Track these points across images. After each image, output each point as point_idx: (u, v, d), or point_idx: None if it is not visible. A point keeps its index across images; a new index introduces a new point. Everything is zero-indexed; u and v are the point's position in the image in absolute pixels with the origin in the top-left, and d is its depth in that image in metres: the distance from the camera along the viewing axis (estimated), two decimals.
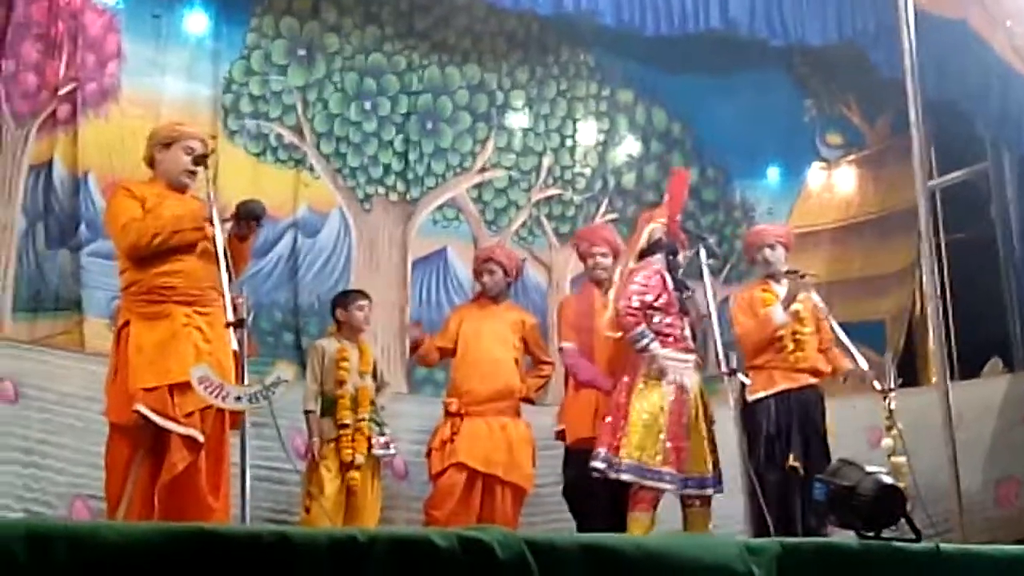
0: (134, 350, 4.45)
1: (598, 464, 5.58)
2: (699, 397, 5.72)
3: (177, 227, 4.51)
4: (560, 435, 6.20)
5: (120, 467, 4.42)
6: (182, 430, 4.37)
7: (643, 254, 5.94)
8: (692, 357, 5.73)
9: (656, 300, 5.77)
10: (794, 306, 6.05)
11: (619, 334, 5.86)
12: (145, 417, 4.36)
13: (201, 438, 4.41)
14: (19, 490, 5.60)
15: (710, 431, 5.72)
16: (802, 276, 6.07)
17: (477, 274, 6.49)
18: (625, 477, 5.58)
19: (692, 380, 5.74)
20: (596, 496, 5.76)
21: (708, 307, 5.63)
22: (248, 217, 4.75)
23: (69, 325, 6.25)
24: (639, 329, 5.68)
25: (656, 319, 5.77)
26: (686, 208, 6.38)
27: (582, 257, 6.45)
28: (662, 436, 5.58)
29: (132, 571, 2.34)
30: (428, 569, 2.65)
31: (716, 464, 5.65)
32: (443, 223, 7.94)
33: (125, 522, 3.96)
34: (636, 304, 5.71)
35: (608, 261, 6.24)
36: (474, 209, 8.02)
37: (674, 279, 5.80)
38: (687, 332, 5.80)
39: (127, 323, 4.52)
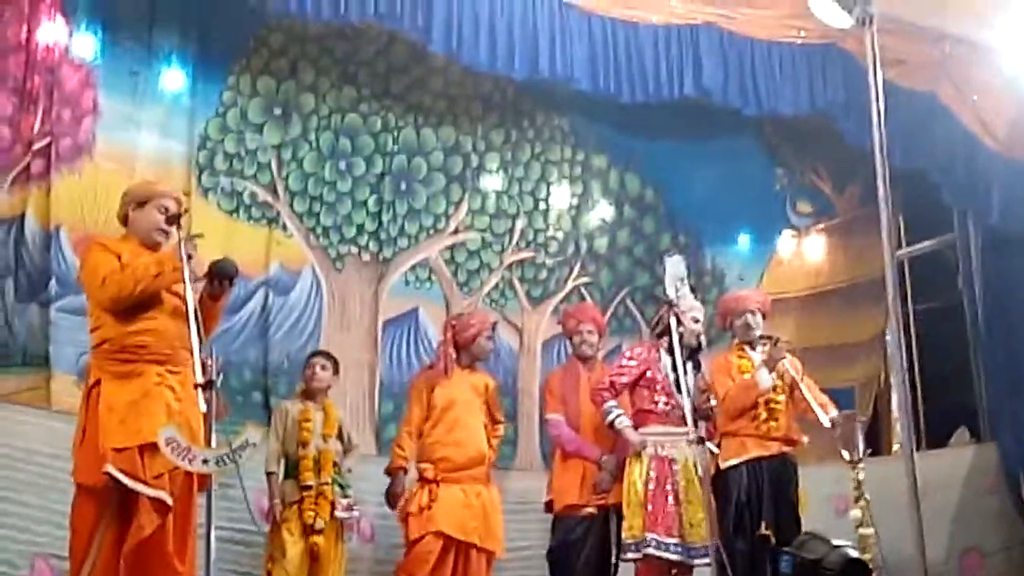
0: (105, 409, 4.39)
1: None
2: (693, 467, 5.86)
3: (158, 270, 4.47)
4: (548, 505, 6.47)
5: (86, 528, 4.34)
6: (152, 492, 4.32)
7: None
8: (683, 430, 5.75)
9: (638, 379, 6.16)
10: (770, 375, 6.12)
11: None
12: (115, 479, 4.29)
13: (170, 501, 4.37)
14: None
15: (702, 502, 5.77)
16: (776, 342, 6.13)
17: (475, 337, 6.39)
18: (630, 556, 5.94)
19: (683, 452, 5.91)
20: (574, 564, 6.17)
21: (678, 374, 5.67)
22: (221, 276, 4.74)
23: (36, 381, 6.19)
24: (606, 406, 6.12)
25: (642, 395, 6.16)
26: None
27: (569, 334, 6.77)
28: (642, 504, 5.86)
29: None
30: None
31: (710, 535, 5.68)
32: (415, 284, 7.94)
33: None
34: (606, 383, 6.15)
35: (595, 339, 6.65)
36: (447, 271, 8.03)
37: (685, 356, 5.79)
38: (680, 407, 5.84)
39: (98, 382, 4.47)
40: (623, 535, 5.98)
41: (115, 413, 4.39)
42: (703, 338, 6.26)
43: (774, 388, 6.10)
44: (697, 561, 5.82)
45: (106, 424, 4.36)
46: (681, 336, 5.89)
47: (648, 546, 5.81)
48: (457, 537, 6.03)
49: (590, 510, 6.24)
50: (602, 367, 6.62)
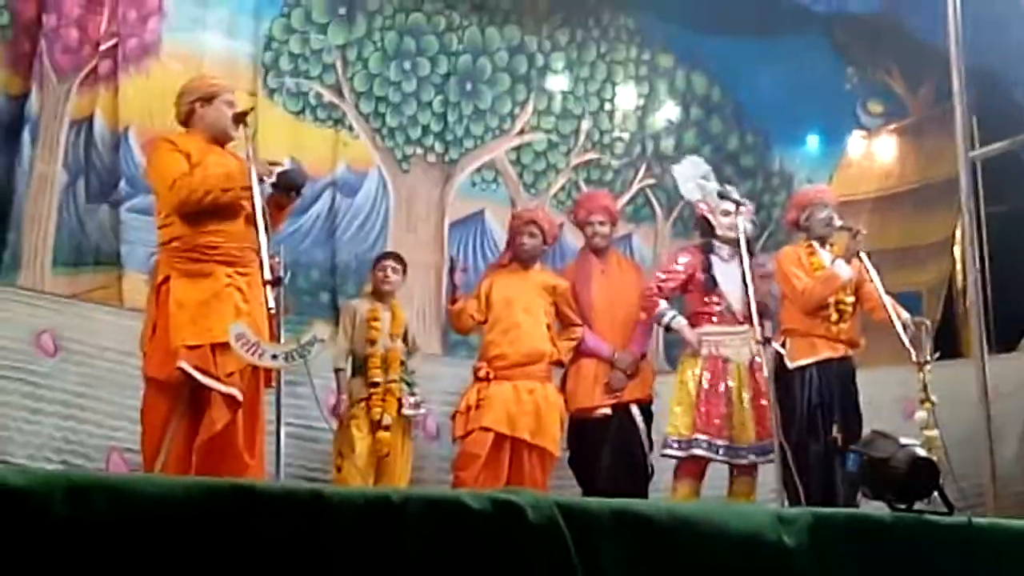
0: (175, 306, 4.44)
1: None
2: (747, 368, 5.83)
3: (228, 185, 4.48)
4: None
5: (158, 423, 4.43)
6: (224, 388, 4.39)
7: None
8: (740, 330, 5.73)
9: (686, 283, 6.09)
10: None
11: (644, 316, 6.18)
12: (187, 374, 4.37)
13: (241, 397, 4.44)
14: (58, 442, 5.69)
15: (757, 402, 5.75)
16: (856, 234, 5.97)
17: (516, 234, 6.32)
18: (669, 452, 5.92)
19: (737, 352, 5.89)
20: (597, 465, 6.00)
21: (744, 274, 5.62)
22: (289, 187, 4.75)
23: (108, 280, 6.30)
24: (659, 311, 6.07)
25: (694, 298, 6.09)
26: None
27: (580, 225, 6.50)
28: (695, 405, 5.84)
29: (169, 525, 2.36)
30: (460, 530, 2.67)
31: (763, 435, 5.66)
32: (481, 185, 7.94)
33: (163, 476, 4.00)
34: (654, 289, 6.10)
35: (606, 229, 6.36)
36: (512, 172, 8.01)
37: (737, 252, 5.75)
38: (732, 307, 5.86)
39: (167, 279, 4.52)
40: (667, 432, 5.96)
41: (186, 311, 4.43)
42: (747, 230, 6.11)
43: (846, 287, 5.97)
44: (745, 460, 5.87)
45: (177, 321, 4.41)
46: (715, 231, 5.96)
47: (698, 447, 5.84)
48: (504, 432, 5.95)
49: (605, 410, 6.10)
50: (618, 258, 6.50)
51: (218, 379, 4.38)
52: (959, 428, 5.54)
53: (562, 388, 6.27)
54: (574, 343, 6.34)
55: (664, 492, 6.12)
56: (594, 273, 6.30)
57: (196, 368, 4.36)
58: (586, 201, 6.64)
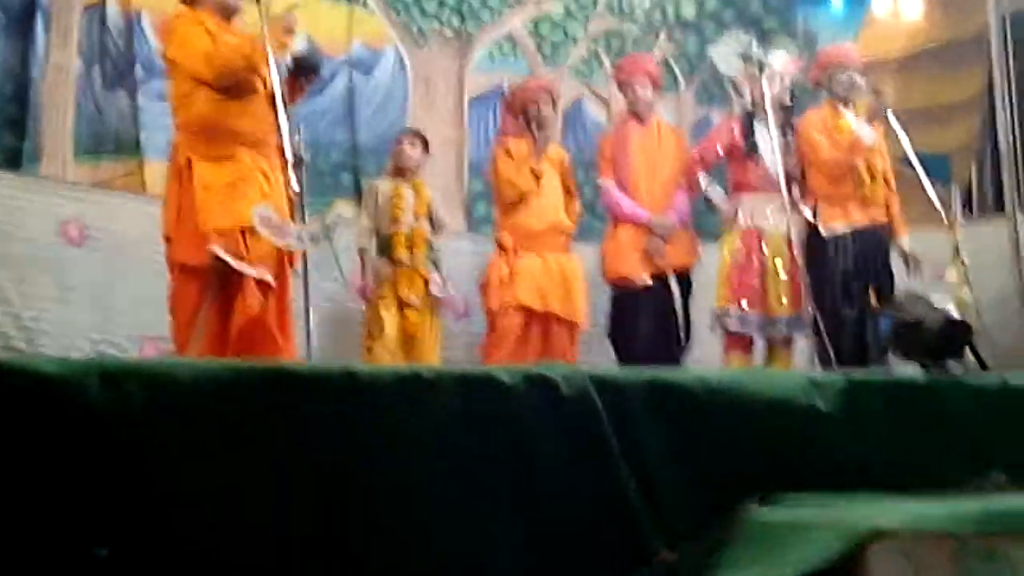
0: (201, 189, 4.40)
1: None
2: (784, 239, 5.76)
3: (252, 49, 4.39)
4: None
5: (189, 308, 4.43)
6: (256, 272, 4.39)
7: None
8: (776, 198, 5.67)
9: (724, 153, 6.05)
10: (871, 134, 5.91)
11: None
12: (219, 259, 4.35)
13: (273, 281, 4.44)
14: (89, 332, 5.72)
15: (790, 273, 5.72)
16: (881, 93, 5.85)
17: (528, 103, 6.18)
18: (716, 326, 5.94)
19: (774, 222, 5.83)
20: (636, 334, 5.93)
21: (771, 138, 5.55)
22: (307, 70, 4.68)
23: (130, 167, 6.26)
24: (699, 180, 6.06)
25: (734, 168, 6.06)
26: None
27: (621, 88, 6.37)
28: (728, 278, 5.88)
29: (203, 408, 2.38)
30: (493, 406, 2.68)
31: (799, 306, 5.62)
32: (500, 59, 7.80)
33: (195, 359, 4.02)
34: (696, 158, 6.12)
35: (648, 93, 6.22)
36: (531, 43, 7.87)
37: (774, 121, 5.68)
38: (770, 175, 5.75)
39: (189, 161, 4.48)
40: (714, 306, 5.99)
41: (213, 194, 4.40)
42: (792, 100, 6.08)
43: (874, 149, 5.88)
44: (778, 333, 5.88)
45: (204, 204, 4.38)
46: (754, 103, 5.90)
47: (729, 318, 5.86)
48: (536, 308, 5.94)
49: (646, 279, 6.02)
50: (659, 123, 6.35)
51: (250, 263, 4.37)
52: (991, 287, 5.52)
53: (601, 256, 6.23)
54: (575, 215, 6.33)
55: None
56: (632, 138, 6.17)
57: (228, 252, 4.34)
58: (627, 64, 6.50)
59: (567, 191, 6.30)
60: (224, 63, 4.41)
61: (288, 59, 4.57)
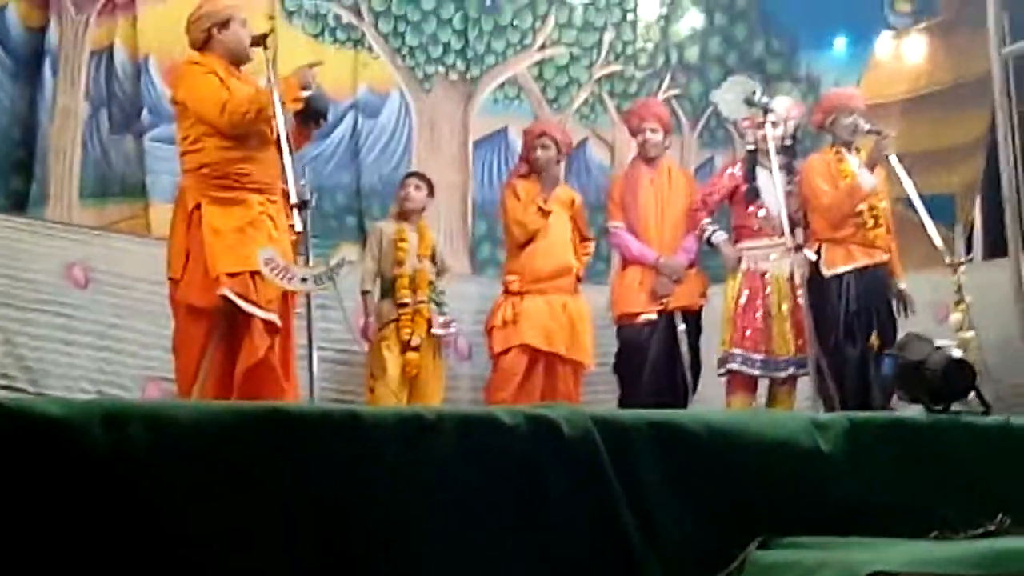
0: (211, 233, 4.44)
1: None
2: (787, 281, 5.81)
3: (262, 106, 4.44)
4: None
5: (194, 351, 4.45)
6: (264, 315, 4.41)
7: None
8: (779, 242, 5.68)
9: (730, 196, 6.14)
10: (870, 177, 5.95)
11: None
12: (229, 301, 4.38)
13: (280, 323, 4.46)
14: (93, 373, 5.74)
15: (796, 315, 5.74)
16: (884, 138, 5.88)
17: (529, 148, 6.30)
18: (720, 371, 5.98)
19: (777, 265, 5.90)
20: (640, 372, 5.98)
21: (774, 182, 5.58)
22: (314, 116, 4.73)
23: (135, 210, 6.29)
24: (702, 223, 6.12)
25: (737, 212, 6.14)
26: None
27: (632, 133, 6.45)
28: (732, 320, 5.92)
29: (207, 450, 2.38)
30: (495, 446, 2.68)
31: (803, 348, 5.63)
32: (504, 102, 7.84)
33: (199, 401, 4.03)
34: (699, 203, 6.17)
35: (659, 137, 6.28)
36: (535, 87, 7.91)
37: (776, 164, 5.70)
38: (772, 219, 5.78)
39: (198, 206, 4.51)
40: (717, 350, 6.01)
41: (222, 238, 4.43)
42: (794, 142, 6.15)
43: (876, 194, 5.92)
44: (783, 373, 5.90)
45: (214, 248, 4.41)
46: (756, 146, 5.94)
47: (733, 361, 5.90)
48: (542, 348, 5.98)
49: (650, 316, 6.04)
50: (670, 166, 6.40)
51: (259, 306, 4.39)
52: (995, 330, 5.52)
53: (611, 298, 6.30)
54: (587, 257, 6.44)
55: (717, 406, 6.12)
56: (643, 181, 6.24)
57: (237, 295, 4.37)
58: (639, 109, 6.57)
59: (579, 233, 6.36)
60: (238, 114, 4.46)
61: (297, 99, 4.60)
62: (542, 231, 6.12)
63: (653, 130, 6.27)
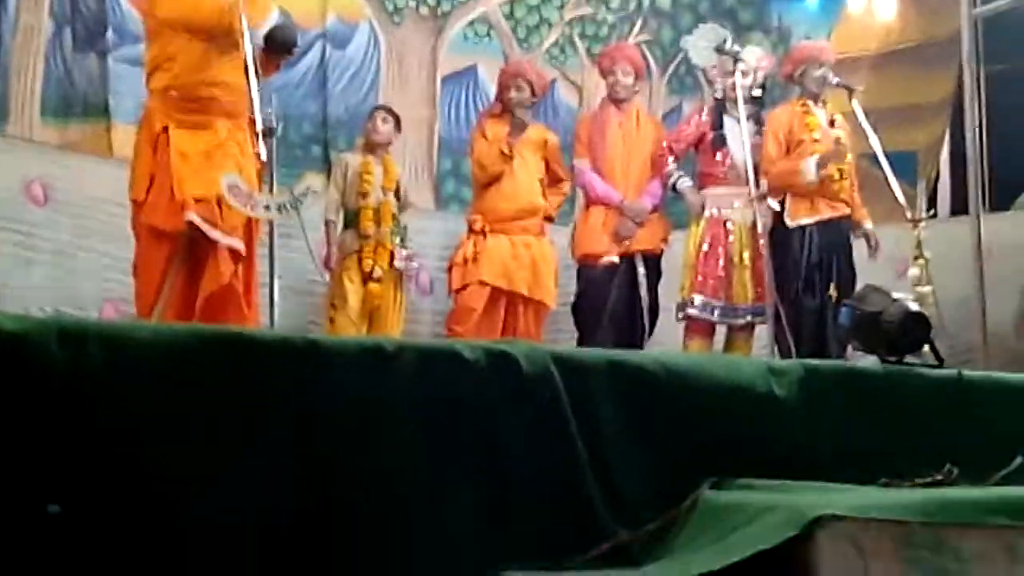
0: (178, 157, 4.40)
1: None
2: (748, 229, 5.83)
3: (232, 24, 4.36)
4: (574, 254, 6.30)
5: (155, 274, 4.43)
6: (229, 241, 4.39)
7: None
8: (744, 191, 5.73)
9: (697, 143, 6.15)
10: (835, 132, 5.97)
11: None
12: (193, 226, 4.35)
13: (244, 250, 4.44)
14: (50, 291, 5.69)
15: (757, 263, 5.77)
16: (852, 93, 5.88)
17: (503, 88, 6.33)
18: (679, 316, 6.04)
19: (740, 213, 5.92)
20: (599, 313, 6.01)
21: (741, 130, 5.61)
22: (283, 48, 4.68)
23: (97, 130, 6.22)
24: (667, 170, 6.13)
25: (703, 159, 6.15)
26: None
27: (603, 73, 6.46)
28: (693, 267, 5.96)
29: (166, 372, 2.37)
30: (454, 380, 2.69)
31: (763, 296, 5.67)
32: (474, 39, 7.79)
33: (158, 323, 4.01)
34: (665, 149, 6.17)
35: (629, 80, 6.30)
36: (506, 26, 7.86)
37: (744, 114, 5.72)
38: (738, 167, 5.86)
39: (165, 129, 4.46)
40: (677, 295, 6.04)
41: (189, 162, 4.41)
42: (763, 93, 6.15)
43: (840, 151, 5.93)
44: (742, 320, 5.96)
45: (180, 172, 4.38)
46: (724, 94, 5.98)
47: (692, 307, 5.94)
48: (501, 287, 6.03)
49: (612, 258, 6.08)
50: (639, 111, 6.43)
51: (224, 232, 4.37)
52: (954, 287, 5.57)
53: (572, 236, 6.32)
54: (561, 198, 6.46)
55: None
56: (611, 123, 6.25)
57: (203, 220, 4.33)
58: (612, 51, 6.61)
59: (553, 174, 6.35)
60: (209, 15, 4.39)
61: (263, 31, 4.55)
62: (507, 172, 6.11)
63: (625, 72, 6.28)
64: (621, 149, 6.21)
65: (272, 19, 4.61)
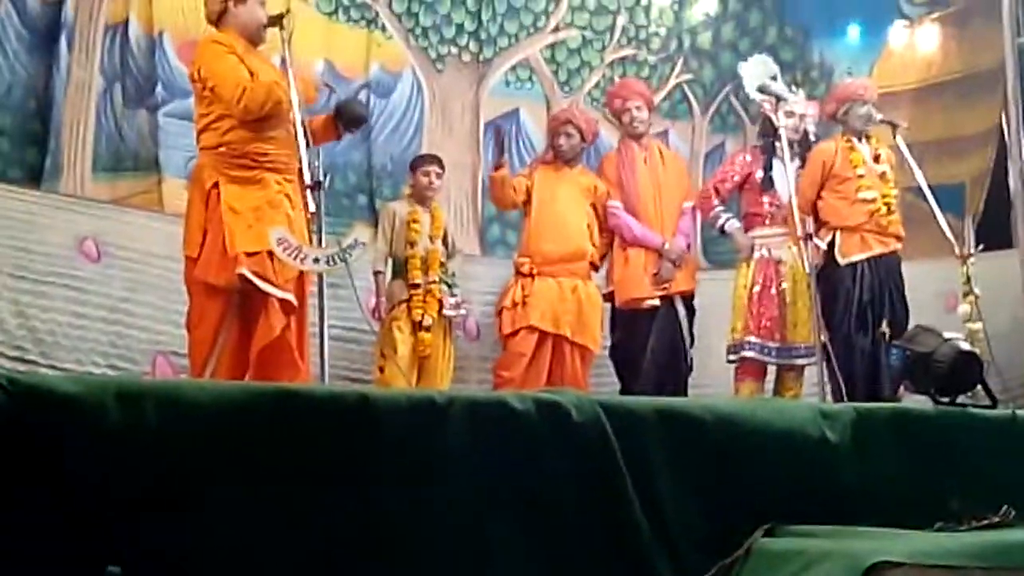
0: (229, 212, 4.44)
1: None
2: (801, 267, 5.75)
3: (279, 99, 4.43)
4: (608, 296, 6.26)
5: (210, 328, 4.46)
6: (282, 294, 4.43)
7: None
8: (788, 230, 5.75)
9: (741, 184, 6.18)
10: (880, 167, 5.96)
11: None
12: (246, 280, 4.39)
13: (296, 302, 4.49)
14: (104, 347, 5.76)
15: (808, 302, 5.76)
16: (896, 129, 5.88)
17: (553, 135, 6.38)
18: (731, 358, 6.04)
19: (790, 253, 5.96)
20: (640, 357, 5.99)
21: (785, 171, 5.61)
22: (353, 123, 4.79)
23: (148, 185, 6.30)
24: (713, 213, 6.19)
25: (748, 199, 6.16)
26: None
27: (617, 114, 6.46)
28: (747, 308, 5.98)
29: (219, 429, 2.40)
30: (505, 431, 2.70)
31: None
32: (516, 84, 7.84)
33: (212, 381, 4.05)
34: (710, 190, 6.25)
35: (644, 114, 6.33)
36: (547, 70, 7.91)
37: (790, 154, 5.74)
38: (784, 209, 5.84)
39: (216, 184, 4.52)
40: (726, 338, 6.03)
41: (241, 218, 4.44)
42: (809, 132, 6.16)
43: (887, 181, 5.91)
44: (799, 361, 5.93)
45: (233, 227, 4.42)
46: (776, 131, 5.86)
47: (749, 349, 5.92)
48: (548, 330, 6.02)
49: (654, 302, 6.07)
50: (659, 147, 6.45)
51: (276, 285, 4.41)
52: (1003, 321, 5.52)
53: (608, 277, 6.28)
54: (607, 248, 6.38)
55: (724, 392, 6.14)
56: (637, 161, 6.26)
57: (255, 274, 4.39)
58: (620, 89, 6.62)
59: (601, 221, 6.33)
60: (256, 103, 4.44)
61: (332, 102, 4.67)
62: (554, 214, 6.12)
63: (639, 107, 6.30)
64: (651, 188, 6.22)
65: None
